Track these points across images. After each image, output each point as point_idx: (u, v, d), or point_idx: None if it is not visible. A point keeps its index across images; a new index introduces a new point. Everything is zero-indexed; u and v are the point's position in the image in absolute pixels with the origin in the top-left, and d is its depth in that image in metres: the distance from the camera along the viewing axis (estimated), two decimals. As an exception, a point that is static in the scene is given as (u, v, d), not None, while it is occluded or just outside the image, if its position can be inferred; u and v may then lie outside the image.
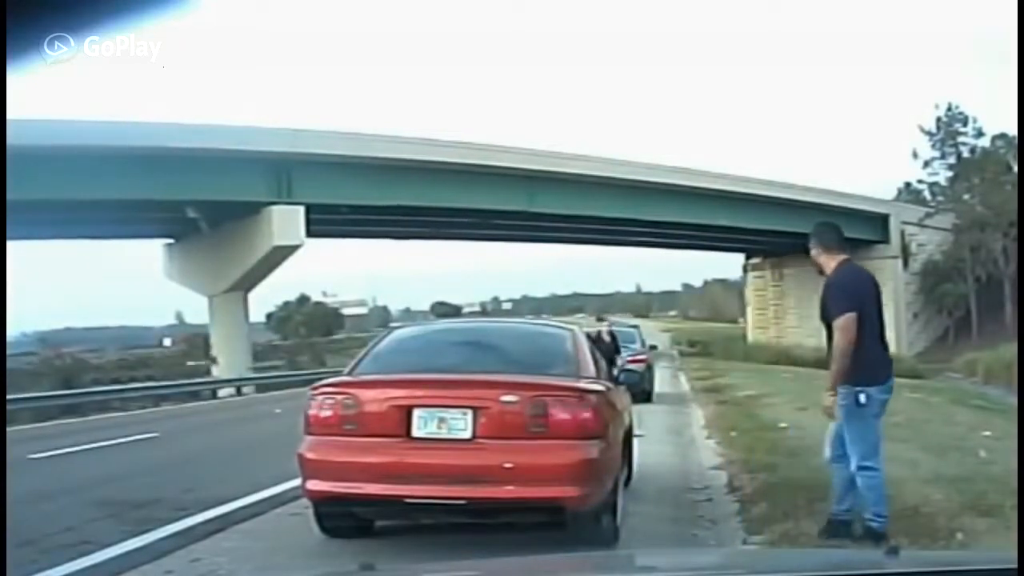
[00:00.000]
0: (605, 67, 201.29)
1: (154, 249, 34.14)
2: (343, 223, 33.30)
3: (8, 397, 16.51)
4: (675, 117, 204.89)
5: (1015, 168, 47.43)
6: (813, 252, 5.44)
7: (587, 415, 5.19)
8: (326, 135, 28.90)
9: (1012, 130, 46.61)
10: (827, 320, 5.26)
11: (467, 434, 5.09)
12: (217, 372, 30.21)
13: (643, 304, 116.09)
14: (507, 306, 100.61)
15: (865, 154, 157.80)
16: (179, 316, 63.66)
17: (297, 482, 5.71)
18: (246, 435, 13.89)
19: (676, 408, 16.41)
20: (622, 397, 7.02)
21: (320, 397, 5.39)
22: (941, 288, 48.98)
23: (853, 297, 5.23)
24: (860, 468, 5.13)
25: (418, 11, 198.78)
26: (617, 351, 15.91)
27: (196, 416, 18.23)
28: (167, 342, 50.64)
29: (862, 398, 5.13)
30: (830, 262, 5.40)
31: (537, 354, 5.97)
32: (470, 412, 5.11)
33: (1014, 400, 17.73)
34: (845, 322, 5.11)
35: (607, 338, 15.66)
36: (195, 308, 38.31)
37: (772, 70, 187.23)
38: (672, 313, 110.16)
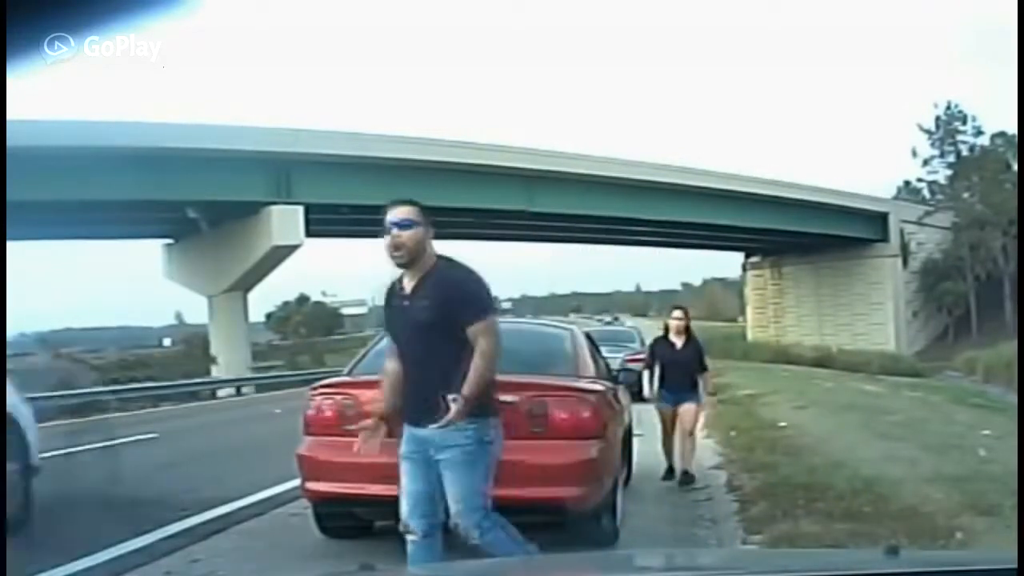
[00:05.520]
0: (605, 67, 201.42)
1: (154, 249, 34.16)
2: (343, 223, 33.27)
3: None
4: (674, 116, 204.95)
5: (1015, 167, 47.45)
6: (417, 231, 4.01)
7: (586, 415, 5.20)
8: (326, 135, 28.89)
9: (1011, 128, 46.72)
10: (463, 320, 3.86)
11: (466, 434, 5.08)
12: (217, 372, 30.19)
13: (643, 304, 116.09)
14: (507, 306, 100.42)
15: (864, 153, 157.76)
16: (179, 316, 63.52)
17: (296, 482, 5.71)
18: (245, 435, 13.87)
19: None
20: (622, 397, 7.02)
21: (319, 397, 5.39)
22: (941, 287, 48.97)
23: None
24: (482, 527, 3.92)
25: (418, 11, 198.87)
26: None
27: (196, 416, 18.22)
28: (167, 342, 50.55)
29: (491, 433, 3.95)
30: (432, 250, 4.09)
31: (536, 354, 5.97)
32: (469, 412, 5.10)
33: (1014, 399, 17.75)
34: (497, 324, 3.98)
35: None
36: (195, 308, 38.32)
37: (771, 70, 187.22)
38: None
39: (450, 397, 3.72)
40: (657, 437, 8.32)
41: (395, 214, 4.02)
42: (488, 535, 3.89)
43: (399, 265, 4.02)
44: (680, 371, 8.08)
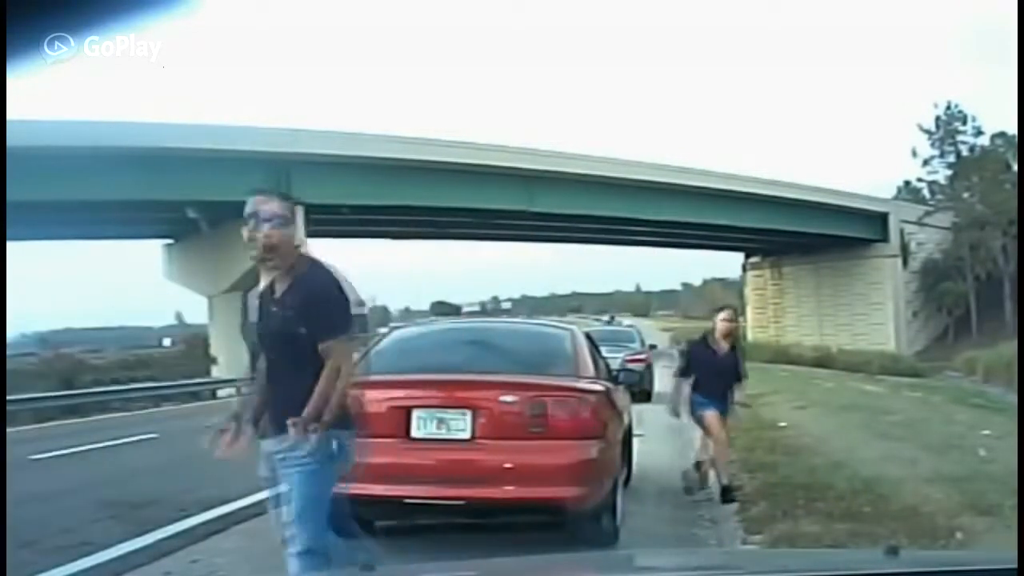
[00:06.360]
0: (605, 67, 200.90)
1: (154, 249, 34.16)
2: (343, 223, 33.29)
3: (8, 398, 16.49)
4: (675, 117, 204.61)
5: (1014, 167, 47.42)
6: (289, 229, 3.65)
7: (586, 415, 5.20)
8: (325, 135, 28.92)
9: (1011, 129, 46.68)
10: (315, 335, 3.54)
11: (466, 434, 5.10)
12: (217, 372, 30.20)
13: (643, 303, 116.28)
14: (507, 306, 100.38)
15: (864, 153, 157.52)
16: (179, 316, 63.49)
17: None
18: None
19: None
20: (621, 397, 7.02)
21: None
22: (941, 287, 48.96)
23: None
24: (308, 552, 3.68)
25: (417, 11, 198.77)
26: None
27: (196, 417, 18.17)
28: (166, 342, 50.50)
29: (336, 447, 3.61)
30: (301, 251, 3.75)
31: (536, 354, 5.97)
32: (469, 413, 5.11)
33: (1013, 399, 17.73)
34: (347, 345, 3.68)
35: None
36: (195, 308, 38.31)
37: (771, 70, 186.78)
38: (670, 312, 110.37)
39: (289, 422, 3.49)
40: (658, 438, 8.29)
41: (266, 209, 3.56)
42: (314, 545, 3.66)
43: (271, 268, 3.60)
44: (723, 380, 7.13)
